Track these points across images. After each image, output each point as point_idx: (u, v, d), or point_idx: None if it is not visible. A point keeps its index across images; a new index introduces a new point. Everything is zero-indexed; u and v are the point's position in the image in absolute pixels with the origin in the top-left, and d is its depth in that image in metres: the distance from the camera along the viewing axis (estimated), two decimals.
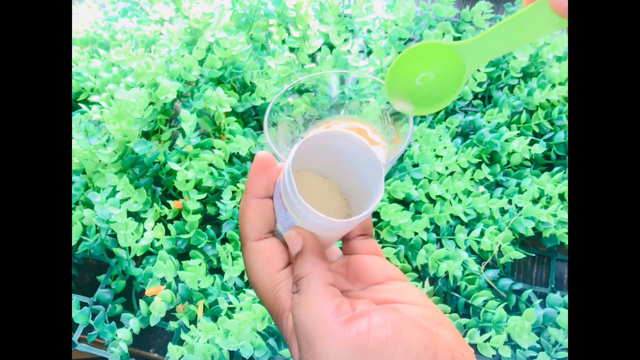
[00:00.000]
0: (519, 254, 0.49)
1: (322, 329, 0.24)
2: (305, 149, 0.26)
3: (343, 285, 0.29)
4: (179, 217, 0.54)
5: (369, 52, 0.69)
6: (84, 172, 0.54)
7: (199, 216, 0.51)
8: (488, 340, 0.44)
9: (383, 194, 0.27)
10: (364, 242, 0.31)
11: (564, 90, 0.57)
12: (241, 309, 0.45)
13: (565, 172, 0.53)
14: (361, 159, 0.27)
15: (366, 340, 0.24)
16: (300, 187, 0.26)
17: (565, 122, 0.56)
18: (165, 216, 0.53)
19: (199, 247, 0.51)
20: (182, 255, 0.52)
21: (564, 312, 0.44)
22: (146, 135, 0.61)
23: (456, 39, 0.68)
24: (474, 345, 0.45)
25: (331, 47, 0.66)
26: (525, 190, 0.53)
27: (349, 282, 0.29)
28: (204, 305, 0.48)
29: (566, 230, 0.50)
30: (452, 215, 0.53)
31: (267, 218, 0.28)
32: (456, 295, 0.49)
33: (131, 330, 0.46)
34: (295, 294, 0.26)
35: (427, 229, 0.52)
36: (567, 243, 0.51)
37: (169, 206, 0.53)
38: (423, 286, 0.49)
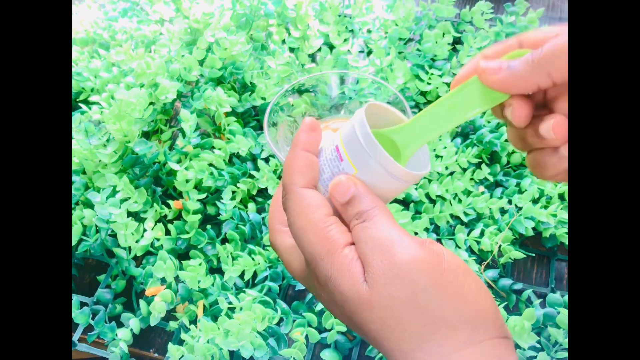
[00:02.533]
0: (519, 254, 0.48)
1: (399, 242, 0.25)
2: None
3: None
4: (179, 217, 0.54)
5: (369, 52, 0.69)
6: (84, 172, 0.54)
7: (199, 216, 0.51)
8: None
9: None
10: None
11: None
12: (241, 309, 0.45)
13: None
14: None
15: (441, 260, 0.25)
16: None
17: None
18: (165, 216, 0.53)
19: (199, 247, 0.51)
20: (182, 255, 0.52)
21: (564, 312, 0.44)
22: (146, 135, 0.61)
23: (456, 39, 0.68)
24: None
25: (331, 47, 0.66)
26: (525, 190, 0.53)
27: None
28: (204, 305, 0.48)
29: (566, 230, 0.50)
30: (452, 215, 0.53)
31: (314, 170, 0.29)
32: None
33: (131, 330, 0.46)
34: (361, 224, 0.26)
35: (427, 229, 0.52)
36: (567, 243, 0.51)
37: (169, 206, 0.53)
38: None
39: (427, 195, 0.54)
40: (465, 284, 0.24)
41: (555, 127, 0.26)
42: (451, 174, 0.55)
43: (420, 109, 0.63)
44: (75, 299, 0.48)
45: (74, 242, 0.49)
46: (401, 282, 0.24)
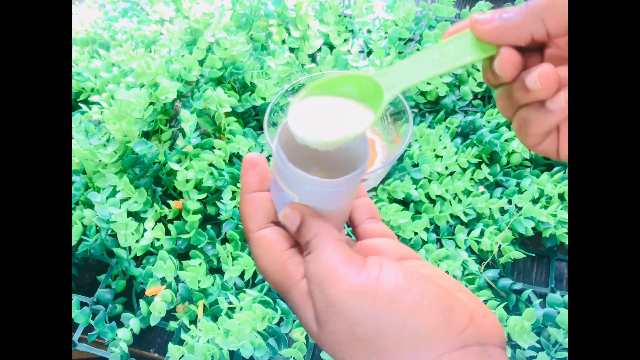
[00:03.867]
0: (518, 254, 0.49)
1: (334, 275, 0.24)
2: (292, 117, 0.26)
3: None
4: (179, 217, 0.54)
5: (369, 52, 0.69)
6: (84, 172, 0.54)
7: (199, 216, 0.51)
8: None
9: (369, 155, 0.28)
10: (373, 224, 0.31)
11: None
12: (241, 309, 0.45)
13: (565, 172, 0.53)
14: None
15: (375, 283, 0.23)
16: (303, 156, 0.27)
17: None
18: (166, 216, 0.53)
19: (199, 247, 0.51)
20: (182, 255, 0.52)
21: (564, 312, 0.44)
22: (146, 135, 0.61)
23: None
24: None
25: (331, 47, 0.66)
26: (525, 190, 0.53)
27: None
28: (204, 305, 0.49)
29: (566, 230, 0.50)
30: (452, 215, 0.53)
31: (265, 207, 0.28)
32: None
33: (131, 330, 0.46)
34: (308, 256, 0.26)
35: (427, 229, 0.52)
36: (567, 243, 0.51)
37: (169, 206, 0.53)
38: None
39: (427, 195, 0.54)
40: (402, 303, 0.23)
41: (542, 75, 0.24)
42: (451, 174, 0.55)
43: (420, 109, 0.64)
44: (75, 299, 0.48)
45: (74, 242, 0.49)
46: (337, 317, 0.24)
